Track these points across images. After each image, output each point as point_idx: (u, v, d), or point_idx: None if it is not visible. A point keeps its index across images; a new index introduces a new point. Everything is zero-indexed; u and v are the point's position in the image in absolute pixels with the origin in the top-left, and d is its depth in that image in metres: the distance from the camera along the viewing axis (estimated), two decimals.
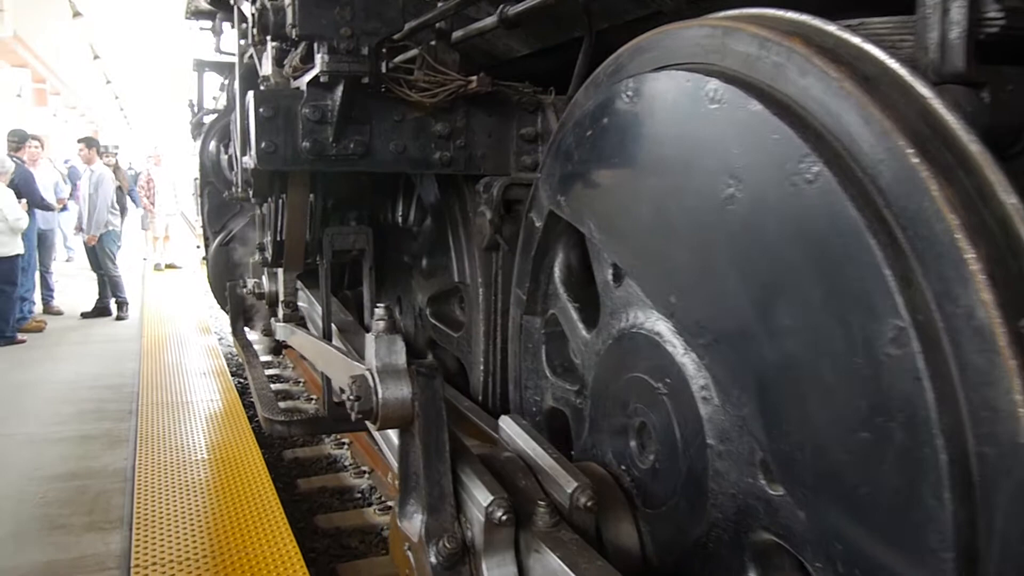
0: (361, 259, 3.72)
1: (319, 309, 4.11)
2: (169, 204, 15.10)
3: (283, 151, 2.77)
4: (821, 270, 1.42)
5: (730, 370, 1.69)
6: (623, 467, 2.13)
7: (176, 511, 3.74)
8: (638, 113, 1.96)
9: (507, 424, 2.24)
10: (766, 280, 1.55)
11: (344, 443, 5.60)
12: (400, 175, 3.97)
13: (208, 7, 5.25)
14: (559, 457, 2.03)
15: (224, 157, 5.18)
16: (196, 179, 6.44)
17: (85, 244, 10.27)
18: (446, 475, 1.91)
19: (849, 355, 1.37)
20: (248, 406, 5.79)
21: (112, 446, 4.93)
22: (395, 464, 2.81)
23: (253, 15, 2.74)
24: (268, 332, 4.30)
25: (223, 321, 9.04)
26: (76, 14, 14.92)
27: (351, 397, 1.91)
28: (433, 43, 2.93)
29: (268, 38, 2.79)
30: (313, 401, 6.64)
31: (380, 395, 1.88)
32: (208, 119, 6.26)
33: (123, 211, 11.23)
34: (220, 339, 8.78)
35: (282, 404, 4.56)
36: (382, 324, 1.96)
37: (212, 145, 5.55)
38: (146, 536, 3.47)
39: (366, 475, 5.04)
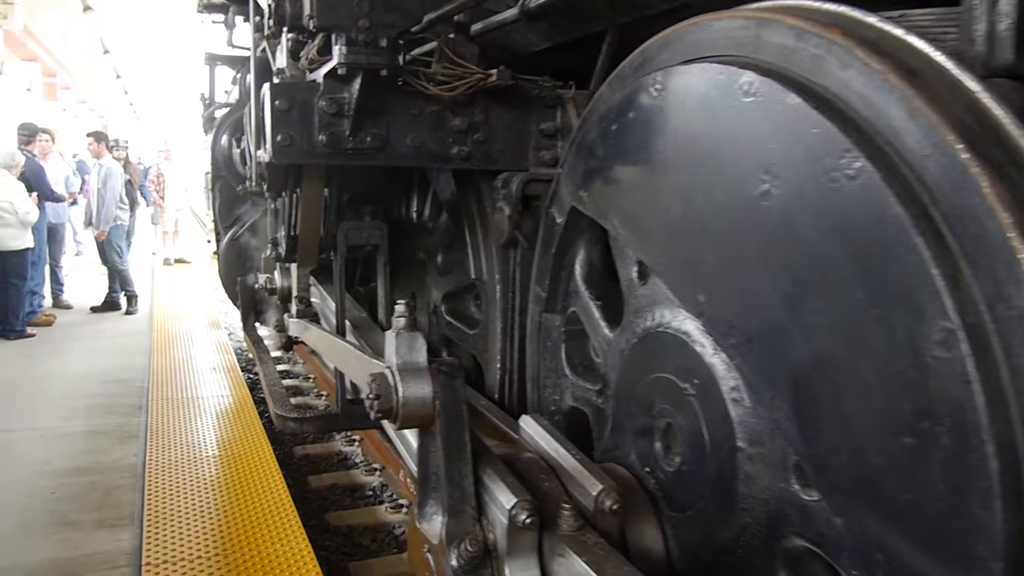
0: (375, 255, 3.69)
1: (332, 305, 4.07)
2: (179, 199, 15.11)
3: (299, 144, 2.73)
4: (863, 269, 1.37)
5: (763, 371, 1.64)
6: (647, 469, 2.09)
7: (187, 508, 3.72)
8: (666, 107, 1.91)
9: (528, 424, 2.20)
10: (803, 279, 1.50)
11: (355, 440, 5.57)
12: (415, 169, 3.93)
13: (221, 0, 5.21)
14: (583, 458, 1.98)
15: (236, 151, 5.15)
16: (207, 173, 6.41)
17: (95, 239, 10.27)
18: (467, 476, 1.87)
19: (892, 357, 1.32)
20: (259, 402, 5.77)
21: (122, 441, 4.91)
22: (410, 462, 2.78)
23: (269, 6, 2.69)
24: (281, 328, 4.26)
25: (233, 316, 9.03)
26: (87, 8, 14.93)
27: (370, 396, 1.87)
28: (451, 36, 2.89)
29: (284, 30, 2.75)
30: (324, 397, 6.62)
31: (400, 394, 1.84)
32: (220, 113, 6.23)
33: (133, 205, 11.20)
34: (230, 334, 8.76)
35: (292, 400, 4.53)
36: (402, 321, 1.92)
37: (224, 139, 5.52)
38: (157, 533, 3.44)
39: (377, 473, 5.01)
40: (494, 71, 2.71)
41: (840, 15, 1.57)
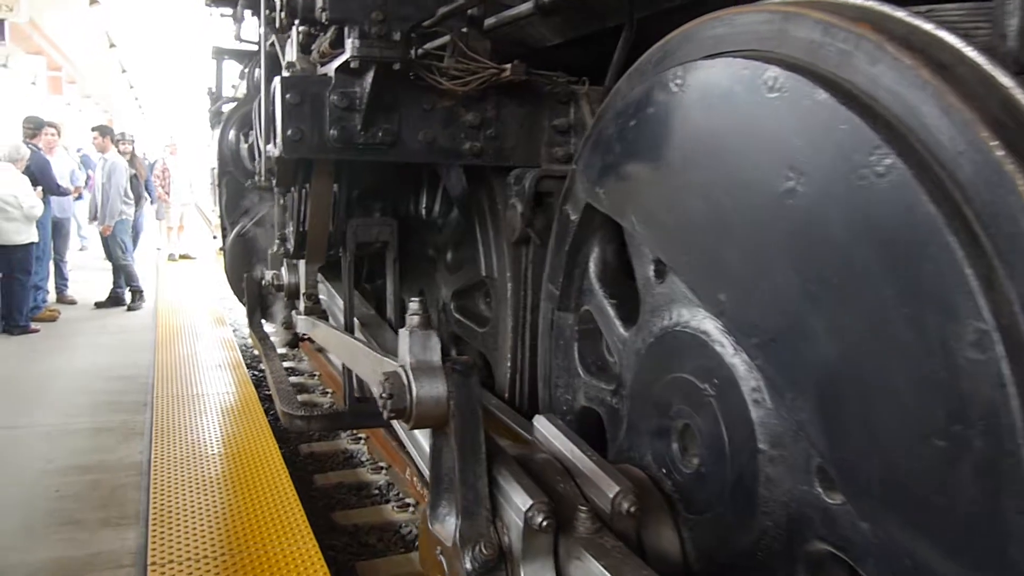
0: (383, 252, 3.65)
1: (340, 302, 4.04)
2: (184, 194, 15.08)
3: (310, 139, 2.70)
4: (892, 268, 1.33)
5: (786, 372, 1.60)
6: (664, 470, 2.05)
7: (193, 506, 3.69)
8: (688, 102, 1.87)
9: (542, 424, 2.17)
10: (829, 278, 1.46)
11: (361, 438, 5.54)
12: (425, 165, 3.90)
13: None
14: (599, 459, 1.95)
15: (244, 146, 5.11)
16: (214, 169, 6.38)
17: (100, 234, 10.25)
18: (482, 478, 1.83)
19: (923, 359, 1.28)
20: (264, 399, 5.74)
21: (127, 439, 4.88)
22: (420, 461, 2.75)
23: None
24: (289, 325, 4.23)
25: (237, 312, 9.01)
26: (93, 1, 14.88)
27: (383, 395, 1.84)
28: (464, 30, 2.85)
29: (296, 23, 2.72)
30: (329, 395, 6.59)
31: (415, 393, 1.81)
32: (227, 108, 6.20)
33: (139, 200, 11.18)
34: (235, 330, 8.74)
35: (297, 397, 4.49)
36: (416, 319, 1.89)
37: (231, 134, 5.49)
38: (163, 532, 3.41)
39: (383, 471, 4.99)
40: (508, 66, 2.68)
41: (868, 9, 1.54)
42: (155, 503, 3.73)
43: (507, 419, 2.66)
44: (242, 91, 6.69)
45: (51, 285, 9.88)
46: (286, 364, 7.42)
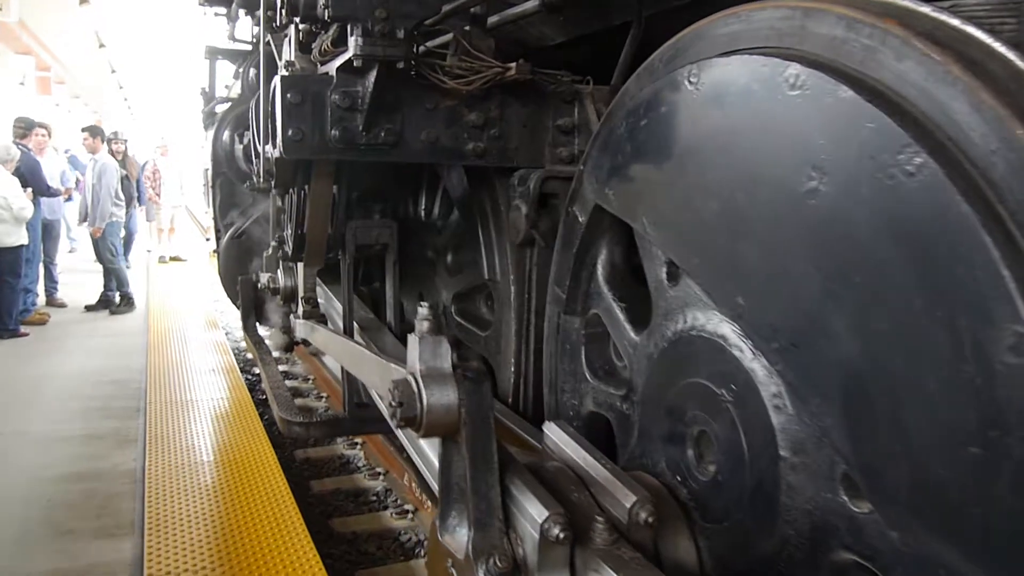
0: (381, 254, 3.60)
1: (337, 305, 3.98)
2: (175, 196, 14.97)
3: (311, 139, 2.65)
4: (923, 270, 1.29)
5: (809, 377, 1.56)
6: (678, 478, 2.01)
7: (189, 515, 3.62)
8: (703, 101, 1.82)
9: (552, 431, 2.11)
10: (854, 280, 1.42)
11: (357, 443, 5.47)
12: (425, 166, 3.84)
13: None
14: (613, 468, 1.90)
15: (239, 147, 5.04)
16: (207, 170, 6.30)
17: (91, 236, 10.14)
18: (494, 488, 1.78)
19: (956, 363, 1.24)
20: (258, 404, 5.67)
21: (120, 446, 4.80)
22: (423, 468, 2.70)
23: None
24: (288, 329, 4.17)
25: (229, 315, 8.93)
26: (83, 1, 14.74)
27: (393, 403, 1.78)
28: (467, 28, 2.80)
29: (297, 20, 2.66)
30: (324, 399, 6.53)
31: (425, 401, 1.76)
32: (220, 108, 6.12)
33: (130, 200, 11.06)
34: (227, 334, 8.65)
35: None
36: (426, 324, 1.84)
37: (226, 135, 5.41)
38: (159, 543, 3.34)
39: (381, 477, 4.92)
40: (512, 65, 2.63)
41: (892, 4, 1.50)
42: (151, 512, 3.65)
43: (514, 425, 2.61)
44: (236, 91, 6.63)
45: (40, 288, 9.76)
46: (281, 368, 7.34)
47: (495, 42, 2.87)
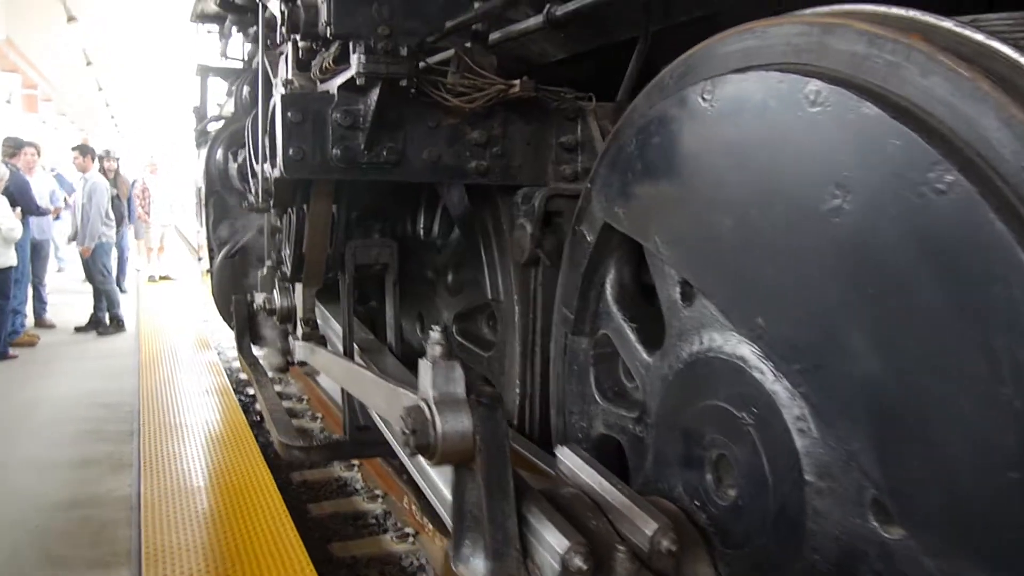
0: (380, 274, 3.55)
1: (335, 326, 3.93)
2: (164, 214, 14.89)
3: (312, 158, 2.60)
4: (957, 289, 1.26)
5: (835, 400, 1.52)
6: (696, 502, 1.96)
7: (187, 543, 3.53)
8: (718, 118, 1.79)
9: (566, 456, 2.06)
10: (882, 299, 1.39)
11: (354, 464, 5.39)
12: (425, 184, 3.80)
13: (216, 10, 5.06)
14: (631, 494, 1.85)
15: (233, 165, 4.99)
16: (200, 189, 6.24)
17: (80, 255, 10.04)
18: (511, 516, 1.73)
19: (994, 384, 1.20)
20: (253, 425, 5.59)
21: (114, 471, 4.71)
22: (429, 493, 2.64)
23: (282, 12, 2.56)
24: (285, 350, 4.10)
25: (221, 335, 8.83)
26: (71, 19, 14.66)
27: (406, 431, 1.73)
28: (468, 45, 2.77)
29: (297, 38, 2.62)
30: (319, 420, 6.44)
31: (439, 429, 1.71)
32: (212, 126, 6.07)
33: (120, 220, 10.97)
34: (219, 354, 8.55)
35: None
36: (439, 349, 1.79)
37: (219, 153, 5.36)
38: (156, 572, 3.25)
39: (380, 499, 4.84)
40: (517, 81, 2.59)
41: (914, 19, 1.47)
42: (147, 541, 3.56)
43: (522, 449, 2.55)
44: (228, 109, 6.57)
45: (29, 309, 9.64)
46: (275, 388, 7.25)
47: (498, 59, 2.84)
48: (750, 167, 1.69)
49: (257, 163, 3.33)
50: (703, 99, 1.84)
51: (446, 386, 1.76)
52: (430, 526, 4.06)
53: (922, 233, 1.31)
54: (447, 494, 2.44)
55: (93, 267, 9.78)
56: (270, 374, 5.32)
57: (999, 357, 1.19)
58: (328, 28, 2.35)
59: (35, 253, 9.84)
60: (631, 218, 2.17)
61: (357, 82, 2.41)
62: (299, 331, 3.69)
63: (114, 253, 11.04)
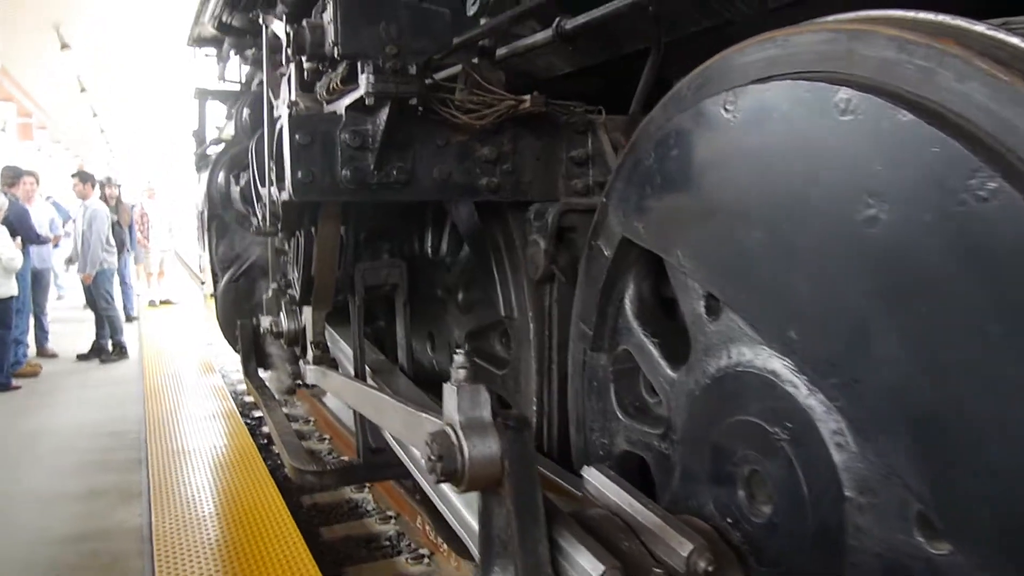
0: (389, 294, 3.51)
1: (344, 348, 3.88)
2: (164, 239, 14.86)
3: (321, 181, 2.56)
4: (1003, 298, 1.22)
5: (874, 413, 1.48)
6: (729, 520, 1.91)
7: (202, 573, 3.47)
8: (743, 128, 1.76)
9: (592, 476, 2.02)
10: (923, 310, 1.35)
11: (365, 486, 5.33)
12: (432, 202, 3.76)
13: (214, 33, 5.04)
14: (663, 513, 1.81)
15: (235, 189, 4.95)
16: (202, 212, 6.21)
17: (81, 282, 9.99)
18: (542, 541, 1.68)
19: None
20: (261, 449, 5.53)
21: (124, 501, 4.64)
22: (448, 514, 2.58)
23: (287, 34, 2.53)
24: (294, 374, 4.05)
25: (225, 358, 8.77)
26: (64, 46, 14.70)
27: (432, 457, 1.69)
28: (475, 61, 2.74)
29: (302, 59, 2.59)
30: (327, 441, 6.38)
31: (467, 454, 1.66)
32: (212, 150, 6.05)
33: (122, 246, 10.93)
34: (224, 377, 8.49)
35: None
36: (463, 373, 1.75)
37: (220, 176, 5.33)
38: None
39: (392, 520, 4.78)
40: (527, 97, 2.57)
41: (944, 24, 1.44)
42: (161, 573, 3.50)
43: (545, 469, 2.50)
44: (228, 132, 6.55)
45: (31, 338, 9.58)
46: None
47: (505, 74, 2.81)
48: (778, 177, 1.66)
49: (263, 186, 3.29)
50: (725, 110, 1.81)
51: (472, 410, 1.71)
52: (445, 546, 4.00)
53: (964, 241, 1.27)
54: (466, 515, 2.40)
55: (96, 293, 9.74)
56: (277, 397, 5.27)
57: None
58: (336, 48, 2.33)
59: (36, 282, 9.80)
60: (651, 232, 2.13)
61: (366, 102, 2.38)
62: (309, 354, 3.65)
63: (116, 280, 11.00)
